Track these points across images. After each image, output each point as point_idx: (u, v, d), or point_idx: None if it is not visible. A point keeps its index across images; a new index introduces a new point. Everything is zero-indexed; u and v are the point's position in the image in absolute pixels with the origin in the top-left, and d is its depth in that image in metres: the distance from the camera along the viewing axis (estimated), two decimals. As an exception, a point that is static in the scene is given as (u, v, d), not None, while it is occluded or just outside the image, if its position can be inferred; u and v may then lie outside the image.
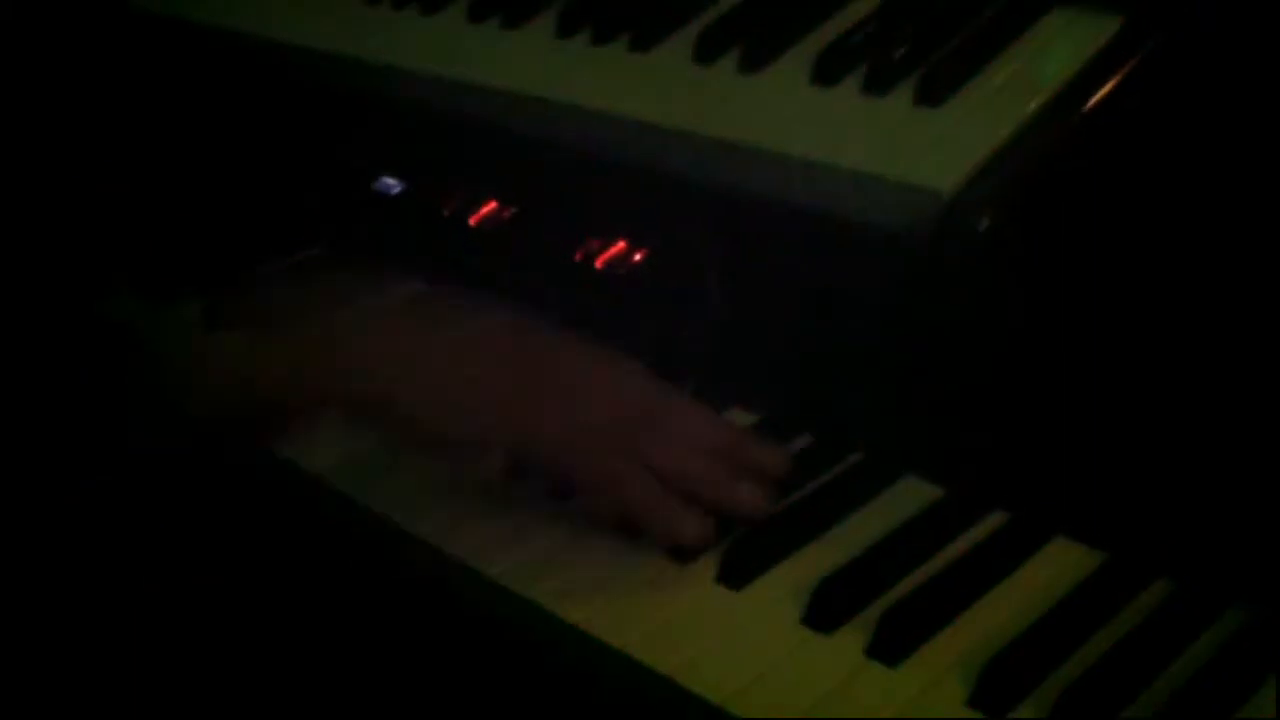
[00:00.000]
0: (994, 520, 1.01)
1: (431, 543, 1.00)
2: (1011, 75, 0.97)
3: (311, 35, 1.28)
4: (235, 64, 1.33)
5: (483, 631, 0.97)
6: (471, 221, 1.26)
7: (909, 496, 1.04)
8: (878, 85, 0.98)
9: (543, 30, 1.17)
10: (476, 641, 0.98)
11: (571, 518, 1.00)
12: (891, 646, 0.90)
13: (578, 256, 1.17)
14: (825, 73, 1.01)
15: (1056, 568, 0.97)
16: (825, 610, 0.93)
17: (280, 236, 1.36)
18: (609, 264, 1.16)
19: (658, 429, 0.98)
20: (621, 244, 1.16)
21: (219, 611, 1.11)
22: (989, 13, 1.02)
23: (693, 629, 0.93)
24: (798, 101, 1.00)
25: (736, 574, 0.97)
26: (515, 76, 1.15)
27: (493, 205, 1.25)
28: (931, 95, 0.96)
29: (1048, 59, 0.98)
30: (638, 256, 1.16)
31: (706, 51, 1.07)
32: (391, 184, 1.33)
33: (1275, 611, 0.89)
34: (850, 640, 0.91)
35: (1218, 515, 0.92)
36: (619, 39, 1.12)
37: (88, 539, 1.03)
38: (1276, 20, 0.93)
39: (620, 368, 1.01)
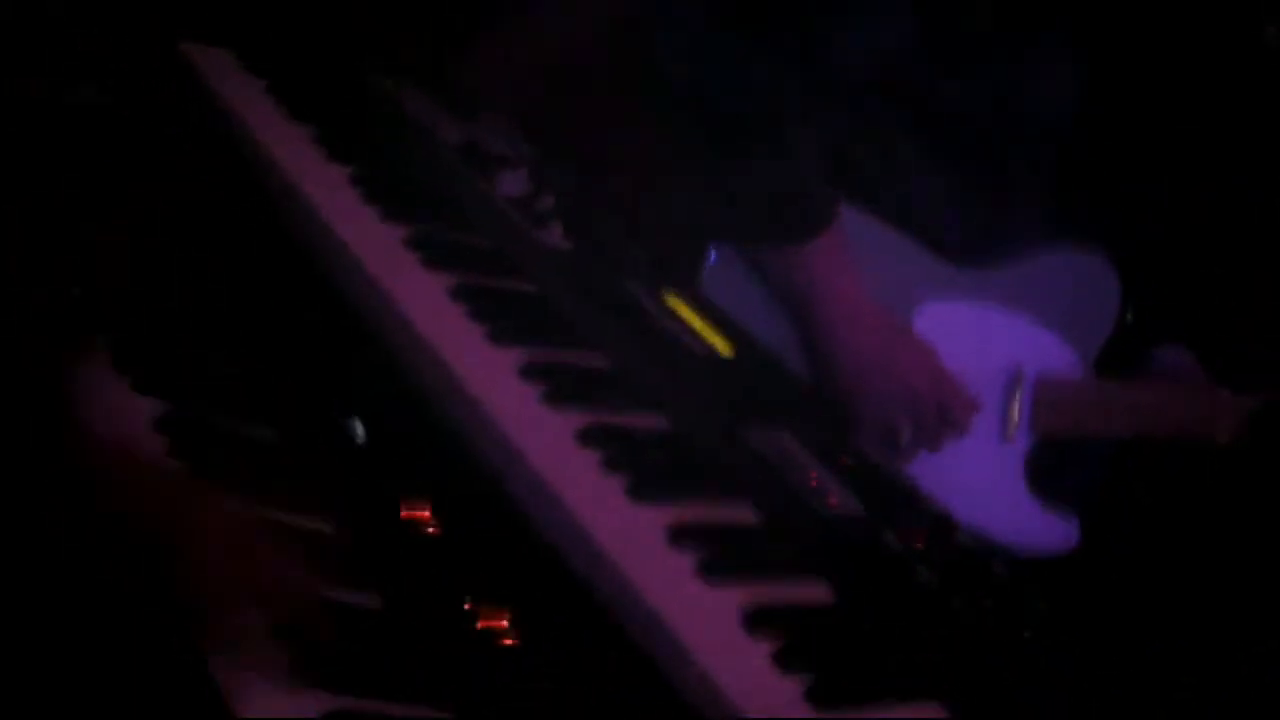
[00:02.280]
0: None
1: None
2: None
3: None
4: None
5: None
6: (402, 513, 1.37)
7: None
8: (786, 664, 1.15)
9: (573, 421, 1.34)
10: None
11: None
12: None
13: (467, 605, 1.28)
14: (751, 623, 1.18)
15: None
16: None
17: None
18: (487, 629, 1.27)
19: None
20: (505, 620, 1.28)
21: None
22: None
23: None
24: (727, 630, 1.16)
25: None
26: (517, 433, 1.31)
27: (426, 514, 1.37)
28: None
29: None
30: (509, 641, 1.27)
31: (680, 540, 1.24)
32: (360, 431, 1.45)
33: None
34: None
35: None
36: (621, 472, 1.30)
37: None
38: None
39: None
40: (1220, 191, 2.39)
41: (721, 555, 1.24)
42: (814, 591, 1.26)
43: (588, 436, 1.33)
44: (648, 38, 1.98)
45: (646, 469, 1.31)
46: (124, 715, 1.08)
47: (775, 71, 1.98)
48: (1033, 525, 2.27)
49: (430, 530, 1.36)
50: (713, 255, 2.11)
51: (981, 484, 2.20)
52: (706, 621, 1.17)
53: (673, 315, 1.60)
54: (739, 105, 1.99)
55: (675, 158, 2.04)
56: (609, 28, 1.98)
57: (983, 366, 2.23)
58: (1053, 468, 2.36)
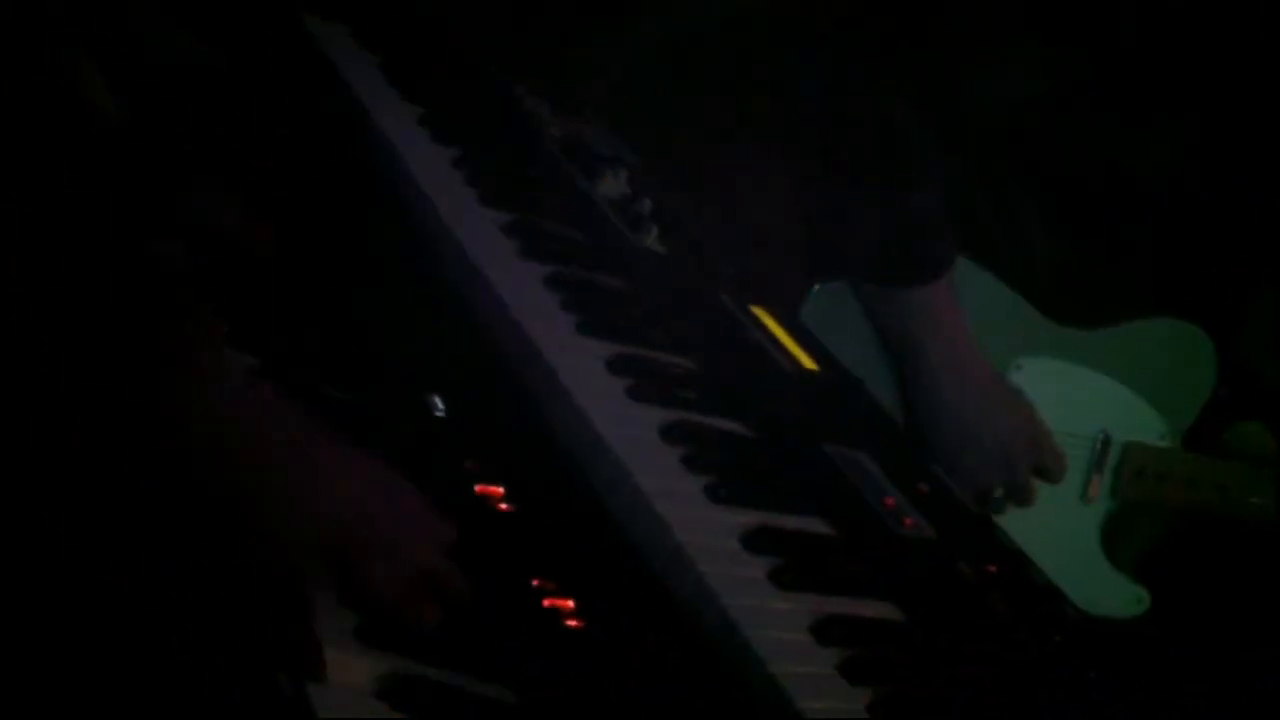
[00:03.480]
0: None
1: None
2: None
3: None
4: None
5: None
6: (476, 489, 1.36)
7: None
8: (854, 676, 1.13)
9: (657, 418, 1.33)
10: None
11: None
12: None
13: (535, 581, 1.27)
14: (820, 632, 1.17)
15: None
16: None
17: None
18: (552, 608, 1.26)
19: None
20: (571, 602, 1.27)
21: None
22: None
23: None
24: (796, 636, 1.15)
25: None
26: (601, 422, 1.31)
27: (500, 490, 1.36)
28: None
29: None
30: (574, 623, 1.26)
31: (756, 545, 1.23)
32: (439, 406, 1.44)
33: None
34: None
35: None
36: (701, 472, 1.28)
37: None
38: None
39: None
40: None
41: (794, 565, 1.23)
42: (882, 609, 1.25)
43: (671, 433, 1.33)
44: (783, 60, 1.98)
45: (727, 472, 1.30)
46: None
47: (910, 111, 1.98)
48: (1102, 587, 2.25)
49: (502, 507, 1.35)
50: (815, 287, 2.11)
51: (1056, 540, 2.18)
52: (776, 628, 1.16)
53: (760, 327, 1.59)
54: (873, 140, 1.98)
55: (797, 186, 2.03)
56: (738, 42, 1.98)
57: (1075, 426, 2.22)
58: (1130, 533, 2.34)
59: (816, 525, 1.31)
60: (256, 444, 1.12)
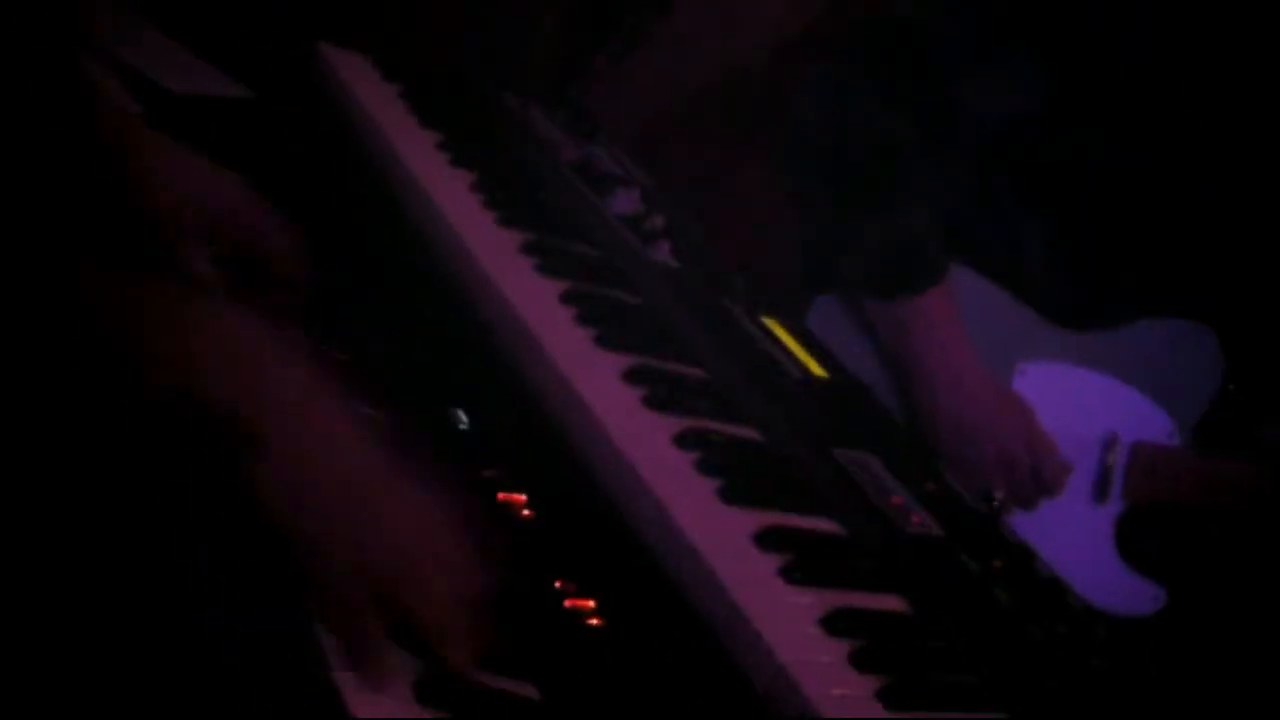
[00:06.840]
0: None
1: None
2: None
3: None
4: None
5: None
6: (499, 496, 1.42)
7: None
8: (861, 665, 1.19)
9: (671, 425, 1.39)
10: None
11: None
12: None
13: (558, 583, 1.32)
14: (829, 625, 1.22)
15: None
16: None
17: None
18: (574, 608, 1.31)
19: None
20: (591, 602, 1.32)
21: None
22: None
23: None
24: (806, 629, 1.21)
25: None
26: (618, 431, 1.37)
27: (522, 498, 1.42)
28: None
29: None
30: (595, 621, 1.31)
31: (766, 543, 1.28)
32: (463, 419, 1.50)
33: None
34: None
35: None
36: (714, 475, 1.34)
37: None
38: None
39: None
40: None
41: (804, 561, 1.28)
42: (891, 602, 1.30)
43: (684, 440, 1.38)
44: (778, 82, 2.04)
45: (738, 474, 1.36)
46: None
47: (904, 126, 2.03)
48: (1118, 588, 2.28)
49: (525, 514, 1.40)
50: (816, 301, 2.16)
51: (1070, 543, 2.22)
52: (787, 620, 1.22)
53: (770, 336, 1.65)
54: (867, 156, 2.04)
55: (794, 202, 2.09)
56: (736, 66, 2.05)
57: (1080, 429, 2.25)
58: (1143, 533, 2.37)
59: (825, 524, 1.37)
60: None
